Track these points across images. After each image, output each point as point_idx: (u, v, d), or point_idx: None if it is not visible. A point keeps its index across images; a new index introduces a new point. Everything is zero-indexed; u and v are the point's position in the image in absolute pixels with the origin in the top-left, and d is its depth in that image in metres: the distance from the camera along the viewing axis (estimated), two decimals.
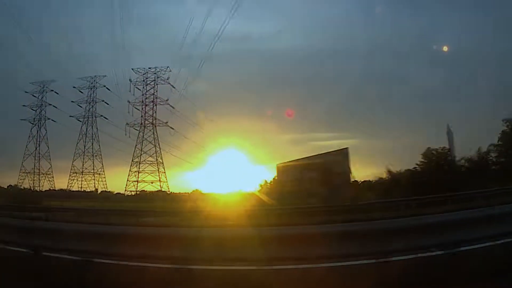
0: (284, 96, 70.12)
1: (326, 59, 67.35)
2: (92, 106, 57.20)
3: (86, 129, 57.37)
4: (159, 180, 53.26)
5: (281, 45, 69.39)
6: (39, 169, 56.74)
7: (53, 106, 56.10)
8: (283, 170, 28.73)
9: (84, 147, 57.22)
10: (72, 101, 56.06)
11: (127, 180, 53.21)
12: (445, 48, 46.13)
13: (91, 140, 57.26)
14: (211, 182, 73.37)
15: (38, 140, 56.52)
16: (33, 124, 56.83)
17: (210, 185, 76.17)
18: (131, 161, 53.32)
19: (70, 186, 56.06)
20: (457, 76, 62.56)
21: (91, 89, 57.07)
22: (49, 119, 56.89)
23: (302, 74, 62.76)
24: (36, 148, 56.99)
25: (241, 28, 76.47)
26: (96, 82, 57.25)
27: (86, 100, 56.99)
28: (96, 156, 57.09)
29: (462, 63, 60.08)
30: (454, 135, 31.21)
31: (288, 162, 29.25)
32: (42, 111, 57.16)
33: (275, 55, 66.57)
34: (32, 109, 56.74)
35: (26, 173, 55.94)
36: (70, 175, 56.08)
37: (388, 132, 62.54)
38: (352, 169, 23.32)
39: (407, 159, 54.49)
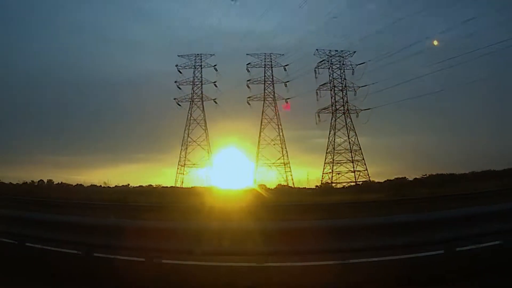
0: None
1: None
2: (271, 85, 48.52)
3: (263, 112, 48.19)
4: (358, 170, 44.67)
5: (280, 42, 67.94)
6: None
7: (214, 84, 47.64)
8: None
9: (260, 133, 47.75)
10: (248, 80, 47.99)
11: (323, 173, 45.37)
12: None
13: (277, 127, 47.81)
14: None
15: (205, 125, 47.97)
16: (180, 105, 48.20)
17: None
18: (325, 152, 45.47)
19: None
20: (457, 74, 61.93)
21: (265, 67, 48.54)
22: (213, 99, 47.57)
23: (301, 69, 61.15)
24: (204, 134, 47.85)
25: (242, 24, 76.52)
26: (272, 60, 48.54)
27: (264, 80, 48.39)
28: (281, 144, 47.41)
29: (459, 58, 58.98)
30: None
31: None
32: (198, 89, 48.59)
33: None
34: (178, 87, 48.17)
35: (183, 166, 47.25)
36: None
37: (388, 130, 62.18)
38: None
39: (408, 158, 54.50)
